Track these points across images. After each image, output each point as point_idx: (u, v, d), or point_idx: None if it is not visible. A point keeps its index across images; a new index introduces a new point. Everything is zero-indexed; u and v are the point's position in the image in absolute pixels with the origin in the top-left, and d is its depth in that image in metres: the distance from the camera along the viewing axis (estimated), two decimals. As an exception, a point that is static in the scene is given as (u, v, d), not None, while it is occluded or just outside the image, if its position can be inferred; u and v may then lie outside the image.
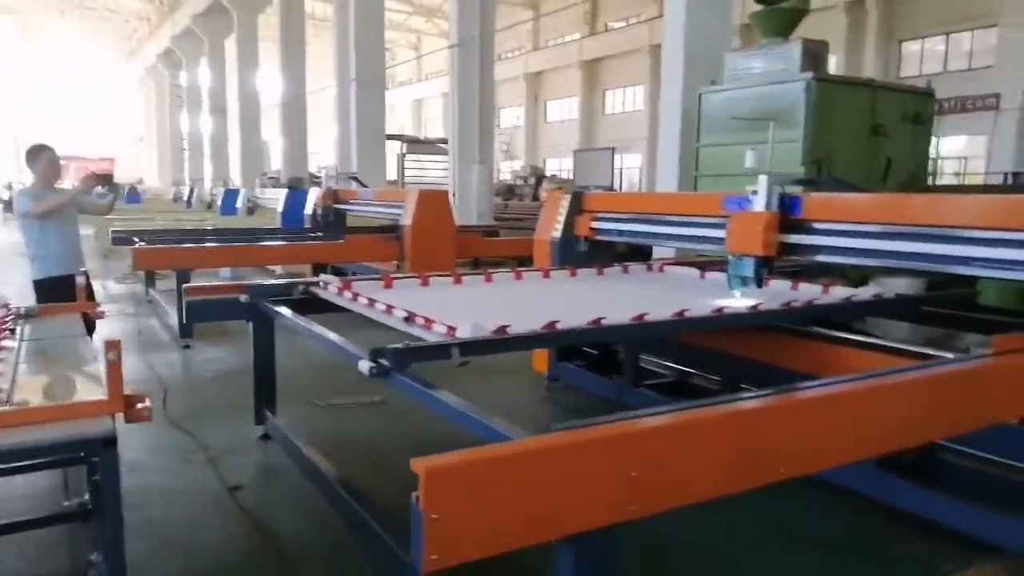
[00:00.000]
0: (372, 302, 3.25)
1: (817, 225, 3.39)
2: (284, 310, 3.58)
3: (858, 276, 5.10)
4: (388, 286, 3.90)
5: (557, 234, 4.98)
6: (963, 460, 3.04)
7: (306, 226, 9.39)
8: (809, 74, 6.12)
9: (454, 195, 13.18)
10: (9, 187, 29.25)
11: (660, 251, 5.56)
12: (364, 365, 2.37)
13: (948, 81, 20.89)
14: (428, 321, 2.78)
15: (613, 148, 8.47)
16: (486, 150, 13.20)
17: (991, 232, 2.76)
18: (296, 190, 10.68)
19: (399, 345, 2.41)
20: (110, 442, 1.86)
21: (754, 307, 3.25)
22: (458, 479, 1.51)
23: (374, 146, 16.15)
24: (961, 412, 2.31)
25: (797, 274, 4.31)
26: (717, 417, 1.86)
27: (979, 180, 19.18)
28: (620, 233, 4.72)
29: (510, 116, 39.89)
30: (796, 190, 3.60)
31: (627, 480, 1.61)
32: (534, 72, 37.36)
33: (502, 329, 2.63)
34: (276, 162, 24.96)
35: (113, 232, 8.44)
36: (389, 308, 3.07)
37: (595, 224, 4.84)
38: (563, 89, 35.91)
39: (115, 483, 1.92)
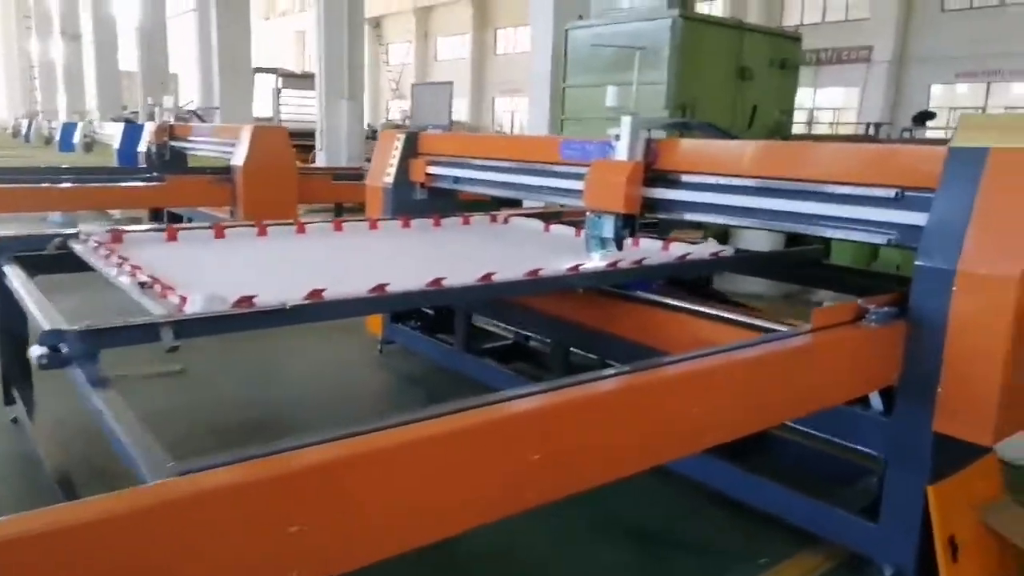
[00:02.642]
0: (123, 262, 2.61)
1: (687, 178, 2.95)
2: (15, 270, 2.78)
3: (717, 229, 4.82)
4: (171, 238, 3.23)
5: (390, 179, 4.41)
6: (792, 436, 2.78)
7: (141, 165, 8.44)
8: (675, 11, 5.73)
9: (321, 134, 12.28)
10: None
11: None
12: (35, 351, 1.76)
13: (826, 32, 21.30)
14: (165, 289, 2.20)
15: (451, 83, 7.88)
16: (356, 85, 12.26)
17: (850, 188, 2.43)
18: (133, 124, 9.56)
19: (81, 326, 1.81)
20: None
21: (575, 268, 2.83)
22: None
23: (237, 79, 14.87)
24: (784, 398, 1.96)
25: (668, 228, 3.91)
26: (464, 428, 1.41)
27: (850, 131, 19.80)
28: (456, 180, 4.21)
29: (400, 52, 38.32)
30: (662, 136, 3.18)
31: (287, 538, 1.13)
32: (424, 6, 35.85)
33: (247, 301, 2.08)
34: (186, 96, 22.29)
35: None
36: (134, 271, 2.46)
37: (432, 169, 4.30)
38: (454, 26, 34.66)
39: None
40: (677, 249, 3.35)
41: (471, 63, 33.66)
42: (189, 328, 1.95)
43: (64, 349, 1.78)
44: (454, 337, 4.09)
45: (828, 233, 2.58)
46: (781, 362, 1.93)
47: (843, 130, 20.90)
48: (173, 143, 8.18)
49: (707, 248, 3.40)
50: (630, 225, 3.06)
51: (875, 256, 5.96)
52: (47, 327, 1.86)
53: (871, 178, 2.39)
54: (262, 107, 21.56)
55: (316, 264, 3.12)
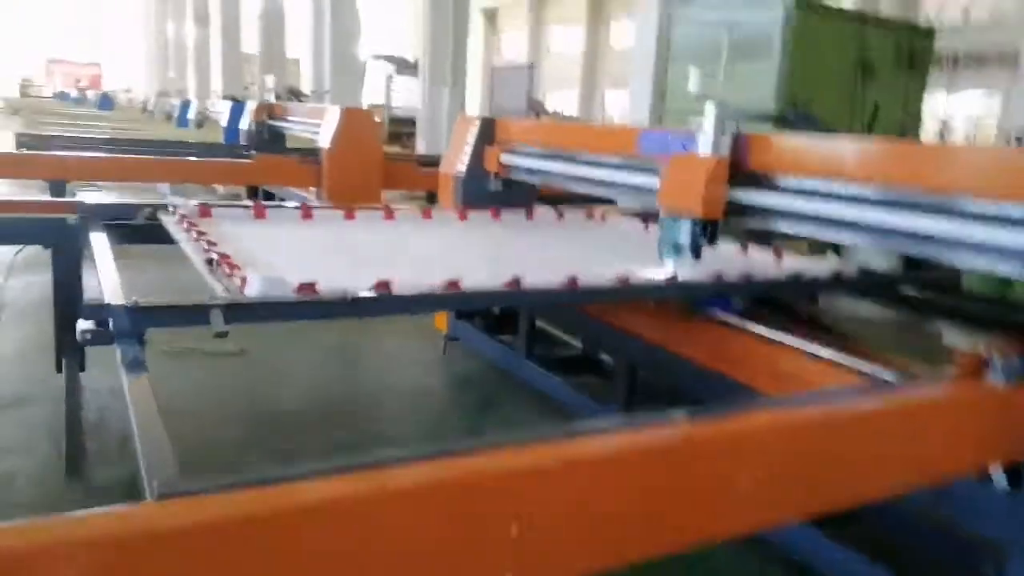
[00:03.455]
0: (199, 236, 2.46)
1: (784, 181, 2.48)
2: (100, 237, 2.69)
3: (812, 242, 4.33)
4: (259, 216, 3.11)
5: (463, 168, 4.17)
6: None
7: (242, 143, 8.61)
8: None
9: (421, 120, 12.25)
10: None
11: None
12: (81, 325, 1.70)
13: (965, 32, 19.66)
14: (232, 268, 2.03)
15: (531, 65, 7.52)
16: (458, 73, 12.17)
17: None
18: (239, 103, 9.78)
19: (128, 302, 1.71)
20: None
21: (672, 278, 2.50)
22: None
23: (347, 64, 15.09)
24: (883, 467, 1.56)
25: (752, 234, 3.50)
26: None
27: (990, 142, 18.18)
28: (530, 171, 3.92)
29: (513, 43, 38.31)
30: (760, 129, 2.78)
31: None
32: (538, -6, 35.65)
33: (310, 288, 1.89)
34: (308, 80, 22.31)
35: (18, 134, 7.63)
36: (208, 247, 2.30)
37: (506, 158, 4.03)
38: (568, 16, 34.25)
39: None
40: (789, 263, 2.95)
41: (583, 54, 33.20)
42: (241, 313, 1.82)
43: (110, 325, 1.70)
44: (516, 339, 3.83)
45: (969, 262, 1.97)
46: (888, 420, 1.54)
47: (983, 141, 19.24)
48: (271, 123, 8.27)
49: (825, 265, 2.97)
50: (710, 231, 2.68)
51: (1009, 283, 5.26)
52: (100, 299, 1.77)
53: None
54: (376, 94, 22.03)
55: (393, 252, 2.94)
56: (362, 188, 6.11)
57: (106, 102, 24.37)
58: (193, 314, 1.77)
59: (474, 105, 19.76)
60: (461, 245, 3.27)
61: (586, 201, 4.18)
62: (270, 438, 3.25)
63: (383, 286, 2.00)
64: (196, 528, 0.92)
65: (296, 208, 3.32)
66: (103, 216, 2.99)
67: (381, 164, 6.29)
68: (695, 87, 2.86)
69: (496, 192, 4.16)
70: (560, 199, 4.34)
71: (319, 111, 6.81)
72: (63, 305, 3.37)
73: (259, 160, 6.30)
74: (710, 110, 2.58)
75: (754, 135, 2.64)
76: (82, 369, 3.45)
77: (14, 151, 6.77)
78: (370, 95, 23.65)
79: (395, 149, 9.97)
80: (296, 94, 10.10)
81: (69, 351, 3.36)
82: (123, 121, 15.96)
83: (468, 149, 4.16)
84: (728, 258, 3.01)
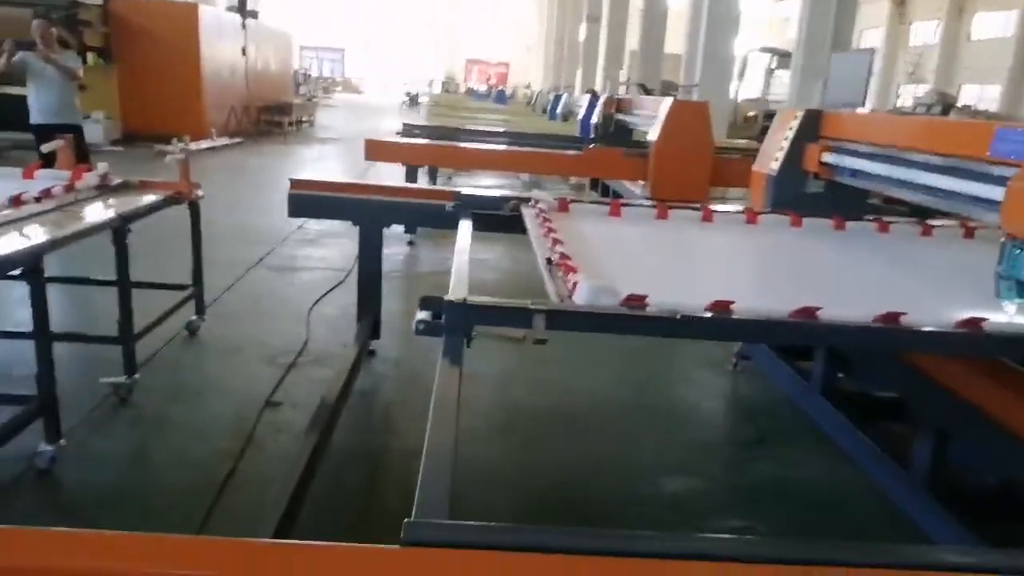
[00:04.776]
0: (548, 232, 2.46)
1: None
2: (467, 225, 2.89)
3: None
4: (614, 213, 3.07)
5: (776, 165, 3.63)
6: None
7: (591, 135, 8.82)
8: None
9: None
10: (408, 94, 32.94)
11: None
12: (418, 315, 1.82)
13: None
14: (568, 270, 1.97)
15: (871, 50, 6.00)
16: (836, 65, 10.94)
17: None
18: (596, 97, 10.01)
19: (456, 298, 1.81)
20: None
21: None
22: None
23: (718, 56, 14.61)
24: None
25: None
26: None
27: None
28: (854, 174, 3.24)
29: (925, 32, 33.73)
30: None
31: None
32: (965, -23, 30.76)
33: (638, 300, 1.77)
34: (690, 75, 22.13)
35: (404, 124, 8.74)
36: (553, 244, 2.27)
37: (828, 157, 3.40)
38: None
39: None
40: None
41: (1016, 41, 27.82)
42: (563, 320, 1.79)
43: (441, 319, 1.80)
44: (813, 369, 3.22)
45: None
46: None
47: None
48: (618, 116, 8.30)
49: None
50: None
51: None
52: (447, 294, 1.84)
53: None
54: (755, 87, 21.04)
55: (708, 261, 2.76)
56: (687, 184, 5.79)
57: (501, 97, 27.14)
58: (517, 316, 1.78)
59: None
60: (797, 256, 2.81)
61: (920, 213, 3.36)
62: (525, 435, 3.19)
63: (721, 305, 1.80)
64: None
65: (651, 207, 3.18)
66: (475, 206, 3.19)
67: (709, 159, 5.87)
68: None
69: (814, 195, 3.56)
70: (913, 210, 3.55)
71: (652, 104, 6.61)
72: (364, 278, 3.70)
73: (588, 152, 6.33)
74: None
75: None
76: (376, 337, 3.77)
77: (398, 139, 7.72)
78: (749, 89, 22.72)
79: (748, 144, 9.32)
80: (643, 87, 9.99)
81: (362, 317, 3.69)
82: (510, 114, 17.50)
83: (785, 145, 3.62)
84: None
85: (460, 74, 50.46)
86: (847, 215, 3.16)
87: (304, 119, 18.98)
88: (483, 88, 36.85)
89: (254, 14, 17.37)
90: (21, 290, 2.53)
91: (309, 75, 33.10)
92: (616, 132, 8.33)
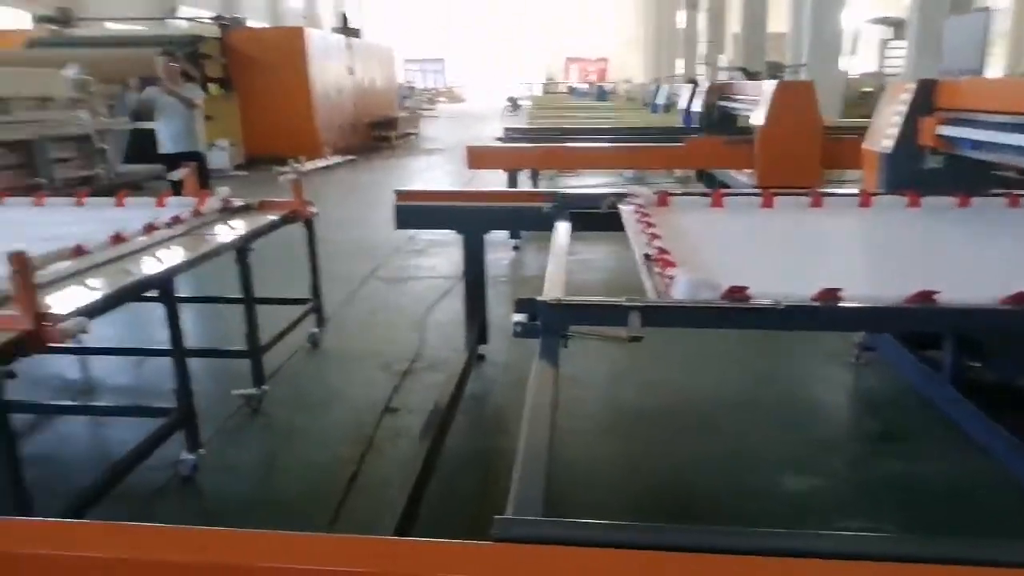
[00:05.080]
0: (646, 227, 2.45)
1: None
2: (564, 226, 2.85)
3: None
4: (716, 204, 3.00)
5: (888, 143, 3.44)
6: None
7: (693, 124, 8.63)
8: None
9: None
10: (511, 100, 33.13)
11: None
12: (515, 317, 1.82)
13: None
14: (666, 265, 1.96)
15: (986, 10, 5.32)
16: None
17: None
18: (697, 85, 9.77)
19: (550, 299, 1.81)
20: None
21: None
22: None
23: (825, 31, 13.97)
24: None
25: None
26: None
27: None
28: (977, 146, 3.03)
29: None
30: None
31: None
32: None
33: (739, 291, 1.73)
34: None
35: (506, 129, 8.85)
36: (652, 238, 2.28)
37: (944, 129, 3.19)
38: None
39: None
40: None
41: None
42: (660, 316, 1.76)
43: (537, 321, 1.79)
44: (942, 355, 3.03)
45: None
46: None
47: None
48: (721, 103, 8.08)
49: None
50: None
51: None
52: (539, 295, 1.83)
53: None
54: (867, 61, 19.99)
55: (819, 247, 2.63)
56: (796, 169, 5.59)
57: (602, 93, 26.90)
58: (612, 313, 1.76)
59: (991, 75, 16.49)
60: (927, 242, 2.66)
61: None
62: (635, 434, 3.18)
63: (828, 294, 1.72)
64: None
65: (755, 195, 3.09)
66: (572, 205, 3.17)
67: (818, 142, 5.63)
68: None
69: (932, 171, 3.35)
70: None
71: (755, 87, 6.40)
72: (470, 285, 3.79)
73: (690, 143, 6.20)
74: None
75: None
76: (484, 341, 3.84)
77: (499, 145, 7.81)
78: (863, 64, 21.58)
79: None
80: (749, 72, 9.65)
81: (470, 323, 3.77)
82: (610, 110, 17.36)
83: (897, 120, 3.43)
84: None
85: (560, 73, 50.49)
86: (971, 191, 2.96)
87: (410, 131, 19.55)
88: (583, 86, 36.69)
89: (357, 32, 18.03)
90: (159, 311, 2.74)
91: (413, 88, 34.02)
92: (720, 120, 8.11)
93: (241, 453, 3.03)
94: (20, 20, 15.88)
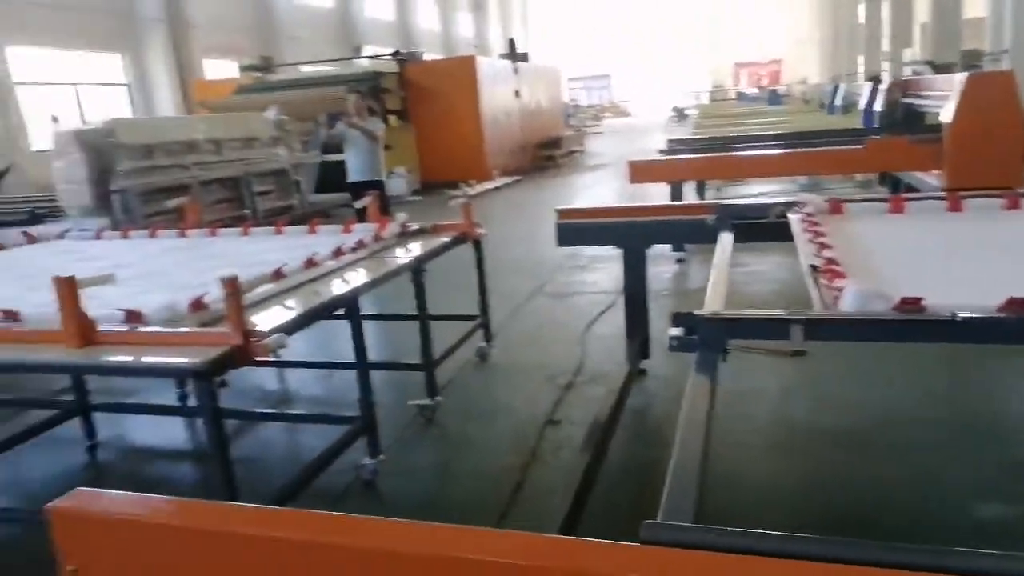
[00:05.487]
0: (815, 236, 2.38)
1: None
2: (727, 237, 2.78)
3: None
4: (896, 210, 2.85)
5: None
6: None
7: (875, 125, 8.10)
8: None
9: None
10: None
11: None
12: (671, 331, 1.79)
13: None
14: (835, 276, 1.88)
15: None
16: None
17: None
18: (879, 82, 9.16)
19: (708, 313, 1.77)
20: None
21: None
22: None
23: (1032, 13, 12.59)
24: None
25: None
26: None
27: None
28: None
29: None
30: None
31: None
32: None
33: (913, 303, 1.63)
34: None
35: (669, 140, 8.76)
36: (820, 248, 2.23)
37: None
38: None
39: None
40: None
41: None
42: (825, 330, 1.70)
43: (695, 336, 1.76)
44: None
45: None
46: None
47: None
48: (906, 101, 7.54)
49: None
50: None
51: None
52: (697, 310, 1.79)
53: None
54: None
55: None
56: (994, 168, 5.10)
57: (774, 98, 25.77)
58: (774, 327, 1.72)
59: None
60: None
61: None
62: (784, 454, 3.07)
63: (1016, 304, 1.58)
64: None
65: (939, 198, 2.92)
66: (737, 216, 3.12)
67: (1021, 138, 5.10)
68: None
69: None
70: None
71: (948, 81, 5.90)
72: (631, 299, 3.82)
73: (870, 145, 5.83)
74: None
75: None
76: (645, 356, 3.86)
77: (661, 157, 7.76)
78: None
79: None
80: (936, 65, 8.88)
81: (631, 338, 3.80)
82: (782, 114, 16.63)
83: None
84: None
85: (729, 79, 48.97)
86: None
87: (575, 149, 19.80)
88: (753, 91, 35.36)
89: (525, 57, 18.57)
90: (344, 327, 3.02)
91: (578, 105, 34.40)
92: (906, 119, 7.55)
93: (417, 459, 3.25)
94: (230, 70, 17.84)
